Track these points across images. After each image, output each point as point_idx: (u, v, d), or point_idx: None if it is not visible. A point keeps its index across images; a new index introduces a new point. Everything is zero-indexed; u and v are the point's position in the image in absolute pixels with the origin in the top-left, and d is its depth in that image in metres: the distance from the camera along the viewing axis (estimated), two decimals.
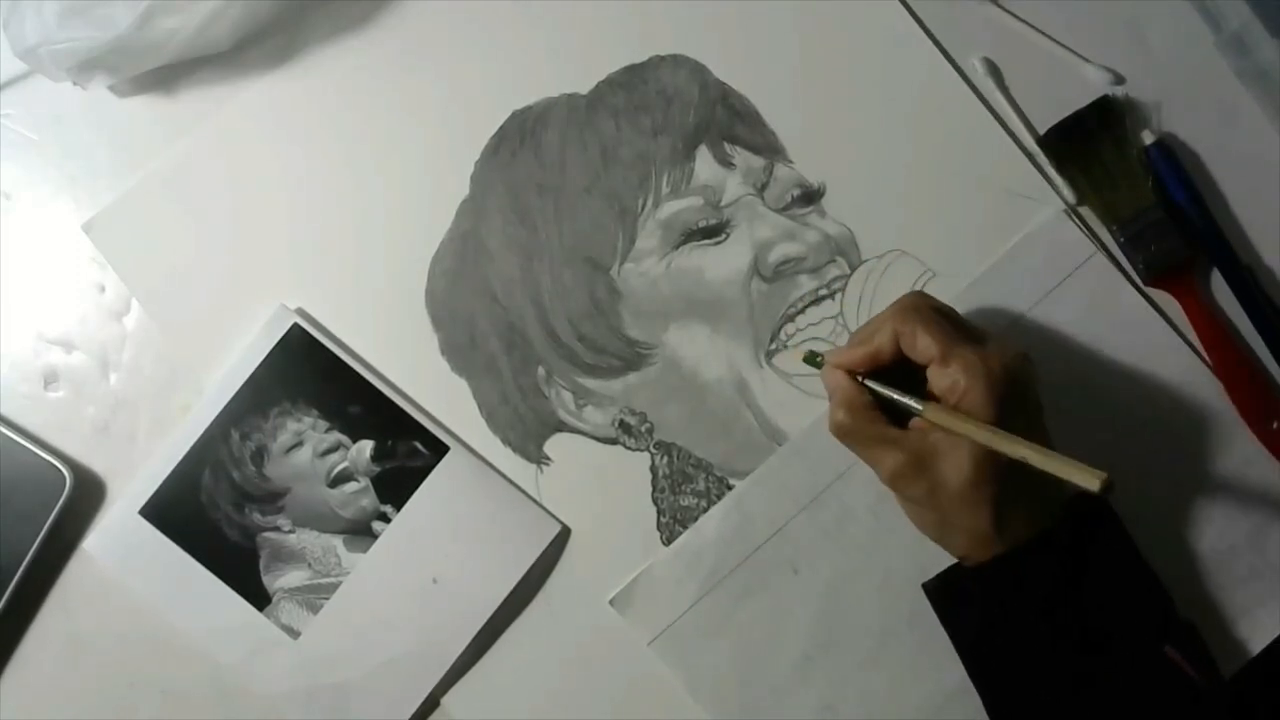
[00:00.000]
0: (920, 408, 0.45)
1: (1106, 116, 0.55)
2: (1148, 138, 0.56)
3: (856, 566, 0.53)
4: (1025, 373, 0.46)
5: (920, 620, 0.52)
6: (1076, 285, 0.55)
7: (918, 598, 0.50)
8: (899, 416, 0.47)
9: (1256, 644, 0.52)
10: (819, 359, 0.49)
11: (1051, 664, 0.45)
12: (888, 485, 0.47)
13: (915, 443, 0.45)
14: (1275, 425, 0.53)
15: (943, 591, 0.49)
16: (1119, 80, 0.57)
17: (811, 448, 0.54)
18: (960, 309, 0.50)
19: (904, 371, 0.47)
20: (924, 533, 0.47)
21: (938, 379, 0.45)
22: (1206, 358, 0.54)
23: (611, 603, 0.53)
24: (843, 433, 0.47)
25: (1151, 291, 0.55)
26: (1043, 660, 0.46)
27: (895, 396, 0.47)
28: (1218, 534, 0.53)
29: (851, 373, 0.47)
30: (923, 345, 0.45)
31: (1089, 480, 0.41)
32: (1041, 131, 0.56)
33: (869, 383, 0.47)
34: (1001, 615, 0.46)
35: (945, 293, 0.55)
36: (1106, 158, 0.55)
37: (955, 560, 0.48)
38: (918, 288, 0.55)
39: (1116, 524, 0.48)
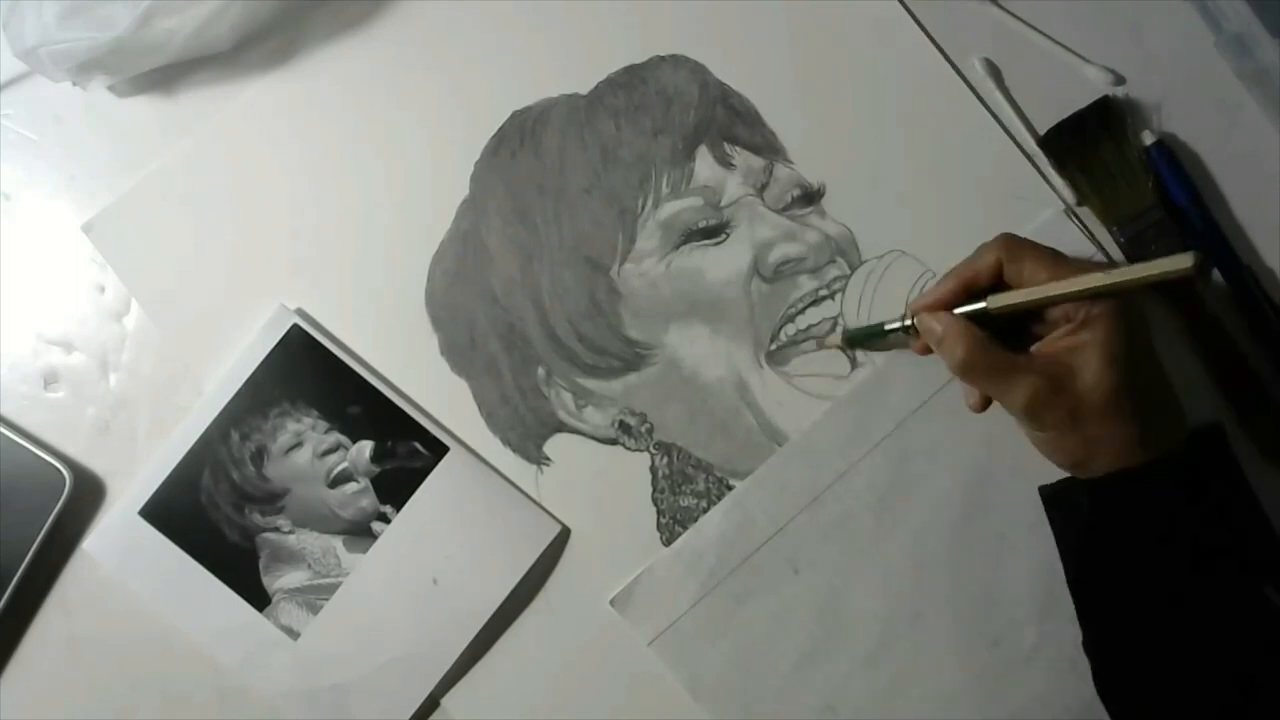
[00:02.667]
0: (984, 304, 0.45)
1: (1107, 116, 0.55)
2: (1148, 138, 0.55)
3: (857, 567, 0.53)
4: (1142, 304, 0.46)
5: (921, 621, 0.52)
6: None
7: (919, 596, 0.51)
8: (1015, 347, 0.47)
9: None
10: (859, 336, 0.48)
11: (1153, 583, 0.45)
12: (1022, 415, 0.46)
13: (1047, 365, 0.45)
14: (1269, 427, 0.53)
15: (1058, 497, 0.48)
16: (1119, 80, 0.57)
17: (812, 448, 0.54)
18: None
19: (1001, 332, 0.47)
20: (1061, 463, 0.47)
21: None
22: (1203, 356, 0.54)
23: (612, 603, 0.53)
24: (966, 369, 0.46)
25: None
26: (1145, 578, 0.45)
27: (961, 310, 0.46)
28: None
29: (946, 312, 0.47)
30: (1030, 270, 0.45)
31: (1182, 261, 0.41)
32: (1041, 131, 0.56)
33: (991, 298, 0.47)
34: (1121, 529, 0.45)
35: None
36: (1107, 158, 0.55)
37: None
38: (918, 288, 0.55)
39: (1234, 461, 0.47)
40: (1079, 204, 0.55)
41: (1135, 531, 0.45)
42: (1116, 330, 0.44)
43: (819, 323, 0.55)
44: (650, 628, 0.53)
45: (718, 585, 0.53)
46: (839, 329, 0.55)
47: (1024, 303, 0.45)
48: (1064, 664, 0.51)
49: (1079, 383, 0.44)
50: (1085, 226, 0.56)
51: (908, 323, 0.50)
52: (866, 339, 0.54)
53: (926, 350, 0.50)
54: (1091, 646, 0.47)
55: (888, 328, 0.51)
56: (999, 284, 0.47)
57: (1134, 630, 0.46)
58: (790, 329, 0.55)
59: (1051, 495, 0.49)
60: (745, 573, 0.53)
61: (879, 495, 0.53)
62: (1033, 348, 0.47)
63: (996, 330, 0.47)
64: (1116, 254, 0.55)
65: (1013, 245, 0.47)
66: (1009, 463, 0.53)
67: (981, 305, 0.46)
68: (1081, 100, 0.56)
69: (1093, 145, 0.55)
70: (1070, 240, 0.55)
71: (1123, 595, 0.46)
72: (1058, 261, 0.46)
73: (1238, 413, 0.54)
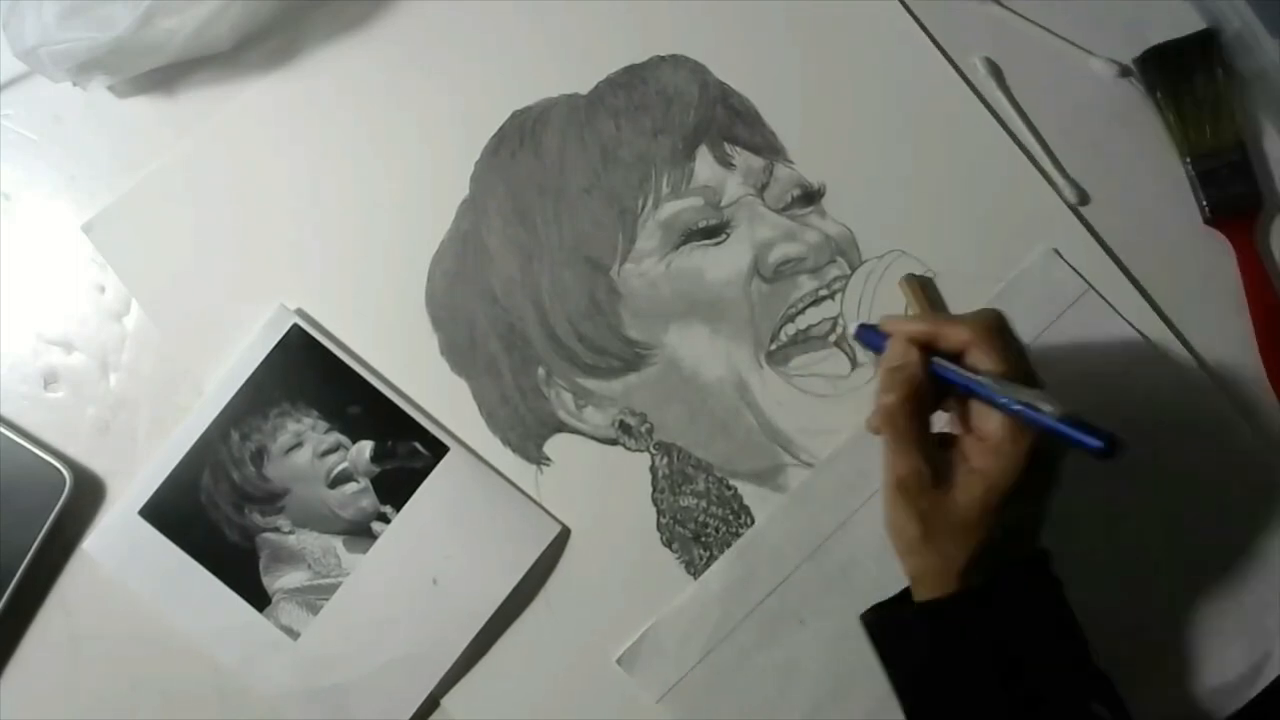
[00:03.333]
0: (988, 381, 0.43)
1: (1207, 49, 0.55)
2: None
3: None
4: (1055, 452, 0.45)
5: None
6: (1070, 322, 0.55)
7: None
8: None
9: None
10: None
11: (985, 711, 0.45)
12: (894, 485, 0.46)
13: (939, 459, 0.45)
14: None
15: (884, 625, 0.48)
16: (1126, 72, 0.56)
17: (812, 498, 0.54)
18: None
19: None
20: (893, 540, 0.46)
21: (982, 410, 0.44)
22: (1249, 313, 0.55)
23: (619, 661, 0.53)
24: (889, 415, 0.45)
25: (1205, 232, 0.55)
26: (977, 706, 0.45)
27: (969, 376, 0.44)
28: (1222, 569, 0.53)
29: (922, 354, 0.45)
30: (992, 369, 0.44)
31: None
32: (1044, 129, 0.55)
33: (938, 361, 0.45)
34: (946, 655, 0.45)
35: (946, 293, 0.55)
36: (1199, 89, 0.54)
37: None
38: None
39: (1054, 582, 0.47)
40: (1167, 128, 0.55)
41: (955, 665, 0.45)
42: (1013, 474, 0.43)
43: (819, 323, 0.55)
44: (658, 685, 0.53)
45: (724, 639, 0.53)
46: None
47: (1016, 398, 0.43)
48: None
49: (951, 492, 0.44)
50: (1088, 224, 0.56)
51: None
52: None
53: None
54: None
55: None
56: (955, 355, 0.45)
57: None
58: (790, 329, 0.55)
59: (874, 621, 0.48)
60: (751, 625, 0.53)
61: (881, 542, 0.52)
62: (942, 434, 0.46)
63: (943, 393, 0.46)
64: (1122, 254, 0.56)
65: (988, 333, 0.45)
66: None
67: (986, 380, 0.44)
68: (1085, 97, 0.56)
69: (1188, 74, 0.54)
70: (1058, 278, 0.55)
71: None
72: (1018, 373, 0.44)
73: (1266, 367, 0.54)
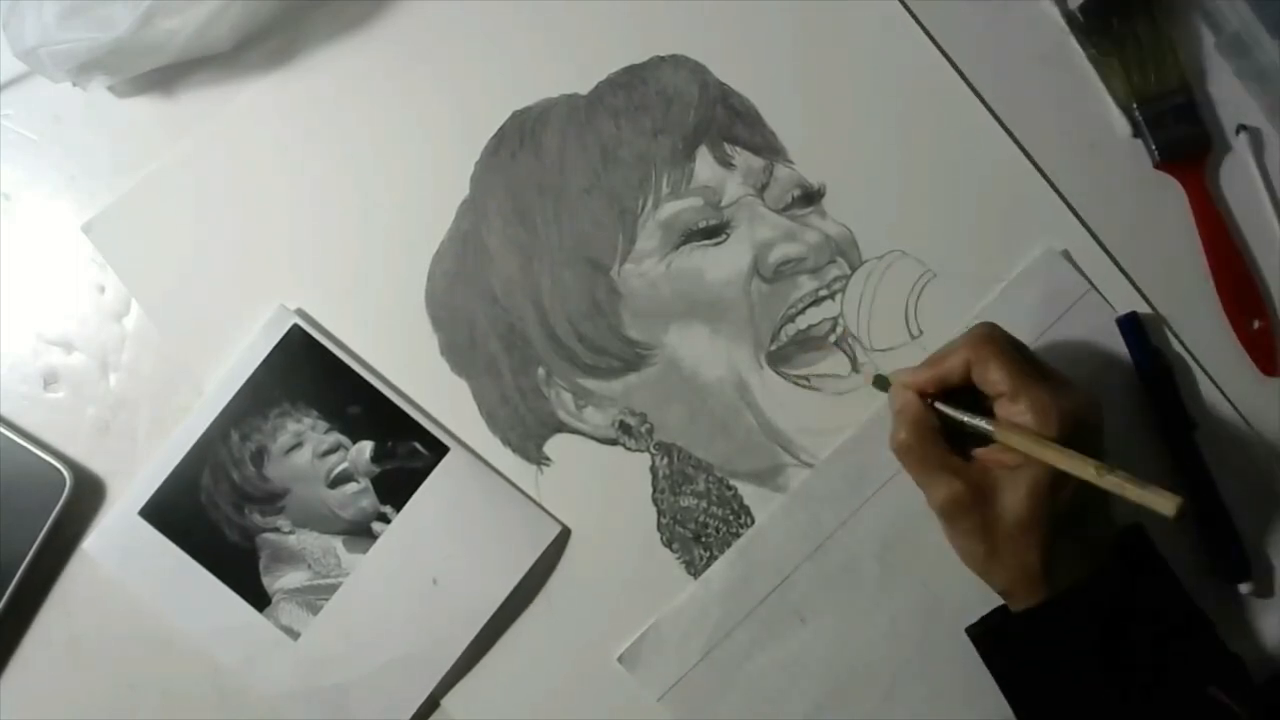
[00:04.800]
0: (991, 428, 0.45)
1: None
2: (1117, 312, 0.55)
3: (864, 614, 0.53)
4: (1094, 419, 0.46)
5: (931, 666, 0.52)
6: (1072, 322, 0.55)
7: (927, 643, 0.50)
8: (960, 446, 0.47)
9: None
10: (886, 380, 0.49)
11: (1100, 707, 0.45)
12: (939, 513, 0.46)
13: (974, 474, 0.45)
14: (1256, 325, 0.54)
15: (988, 635, 0.49)
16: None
17: (813, 496, 0.54)
18: None
19: (970, 404, 0.47)
20: (969, 565, 0.47)
21: (1006, 413, 0.45)
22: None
23: (620, 659, 0.53)
24: (904, 451, 0.47)
25: (1158, 176, 0.56)
26: (1091, 704, 0.45)
27: (965, 418, 0.47)
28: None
29: (921, 394, 0.48)
30: (994, 377, 0.45)
31: (1165, 505, 0.41)
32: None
33: (939, 405, 0.47)
34: (1051, 659, 0.46)
35: (947, 294, 0.55)
36: (1142, 35, 0.55)
37: (996, 597, 0.48)
38: (918, 288, 0.55)
39: (1162, 563, 0.48)
40: (1111, 74, 0.55)
41: (1071, 659, 0.45)
42: (1049, 467, 0.44)
43: (819, 323, 0.55)
44: (659, 684, 0.53)
45: (725, 638, 0.53)
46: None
47: (1024, 448, 0.44)
48: None
49: (998, 501, 0.45)
50: (1087, 224, 0.56)
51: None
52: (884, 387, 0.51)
53: None
54: None
55: (886, 380, 0.50)
56: (969, 384, 0.47)
57: None
58: (790, 329, 0.55)
59: (980, 634, 0.49)
60: (752, 624, 0.53)
61: (882, 541, 0.53)
62: (976, 451, 0.47)
63: (961, 401, 0.47)
64: (1113, 242, 0.56)
65: (980, 344, 0.46)
66: None
67: (990, 429, 0.45)
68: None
69: (1129, 21, 0.55)
70: (1058, 278, 0.55)
71: None
72: (1019, 373, 0.45)
73: (1226, 309, 0.54)
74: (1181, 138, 0.55)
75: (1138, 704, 0.45)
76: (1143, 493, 0.42)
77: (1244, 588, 0.53)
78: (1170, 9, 0.55)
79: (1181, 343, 0.55)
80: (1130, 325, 0.54)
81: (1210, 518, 0.53)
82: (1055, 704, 0.47)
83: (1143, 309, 0.55)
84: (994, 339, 0.47)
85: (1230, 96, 0.56)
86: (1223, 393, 0.55)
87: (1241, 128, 0.56)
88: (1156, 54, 0.55)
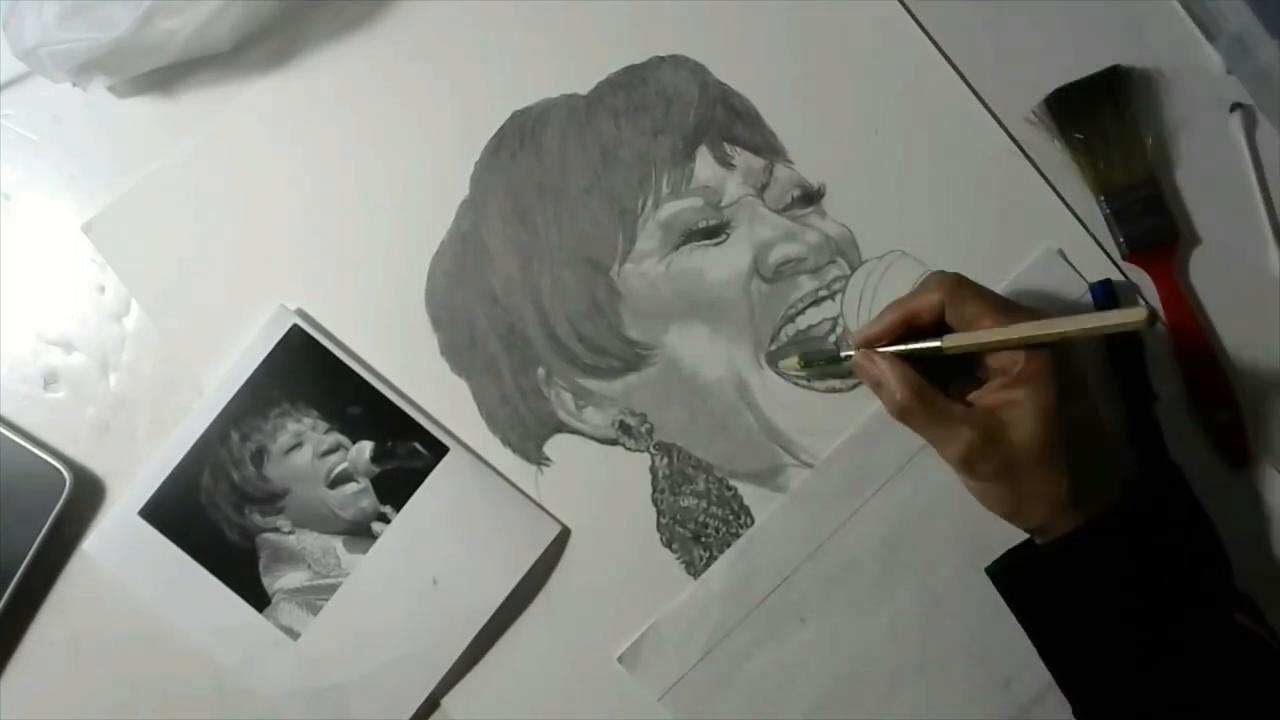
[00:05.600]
0: (939, 343, 0.45)
1: (1114, 86, 0.55)
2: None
3: (864, 614, 0.53)
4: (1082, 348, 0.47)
5: (931, 666, 0.52)
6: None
7: (927, 643, 0.50)
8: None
9: None
10: (825, 354, 0.49)
11: (1129, 635, 0.45)
12: (957, 466, 0.46)
13: (982, 417, 0.45)
14: (1221, 419, 0.53)
15: (1011, 572, 0.48)
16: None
17: (813, 496, 0.54)
18: None
19: (938, 373, 0.47)
20: (996, 511, 0.47)
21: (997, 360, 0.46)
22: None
23: (620, 659, 0.53)
24: (905, 414, 0.46)
25: (1127, 267, 0.55)
26: (1121, 632, 0.45)
27: (913, 346, 0.46)
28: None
29: (886, 355, 0.47)
30: (973, 313, 0.45)
31: (1135, 315, 0.41)
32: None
33: (883, 350, 0.47)
34: (1083, 588, 0.46)
35: None
36: (1107, 126, 0.54)
37: (1019, 540, 0.48)
38: None
39: (1188, 489, 0.47)
40: (1079, 168, 0.55)
41: (1101, 589, 0.45)
42: (1050, 387, 0.44)
43: (819, 323, 0.55)
44: (659, 684, 0.53)
45: (725, 638, 0.53)
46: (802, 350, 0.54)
47: (977, 345, 0.45)
48: None
49: (1011, 437, 0.45)
50: (1086, 225, 0.56)
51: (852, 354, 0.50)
52: (825, 363, 0.52)
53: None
54: (1082, 715, 0.47)
55: (843, 354, 0.51)
56: (940, 323, 0.47)
57: (1119, 690, 0.46)
58: (790, 329, 0.55)
59: (999, 572, 0.49)
60: (752, 624, 0.53)
61: (882, 541, 0.53)
62: (969, 396, 0.47)
63: (932, 374, 0.47)
64: (1098, 229, 0.56)
65: (957, 286, 0.47)
66: None
67: (935, 344, 0.46)
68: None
69: (1096, 113, 0.54)
70: (1058, 278, 0.55)
71: (1099, 658, 0.46)
72: (1002, 306, 0.46)
73: (1192, 398, 0.54)
74: (1149, 230, 0.54)
75: (1166, 631, 0.44)
76: (1111, 316, 0.42)
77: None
78: (1134, 99, 0.55)
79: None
80: (1101, 292, 0.54)
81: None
82: (1084, 634, 0.46)
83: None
84: (962, 279, 0.47)
85: (1200, 182, 0.56)
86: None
87: (1236, 105, 0.56)
88: (1123, 147, 0.54)
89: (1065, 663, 0.47)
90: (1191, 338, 0.54)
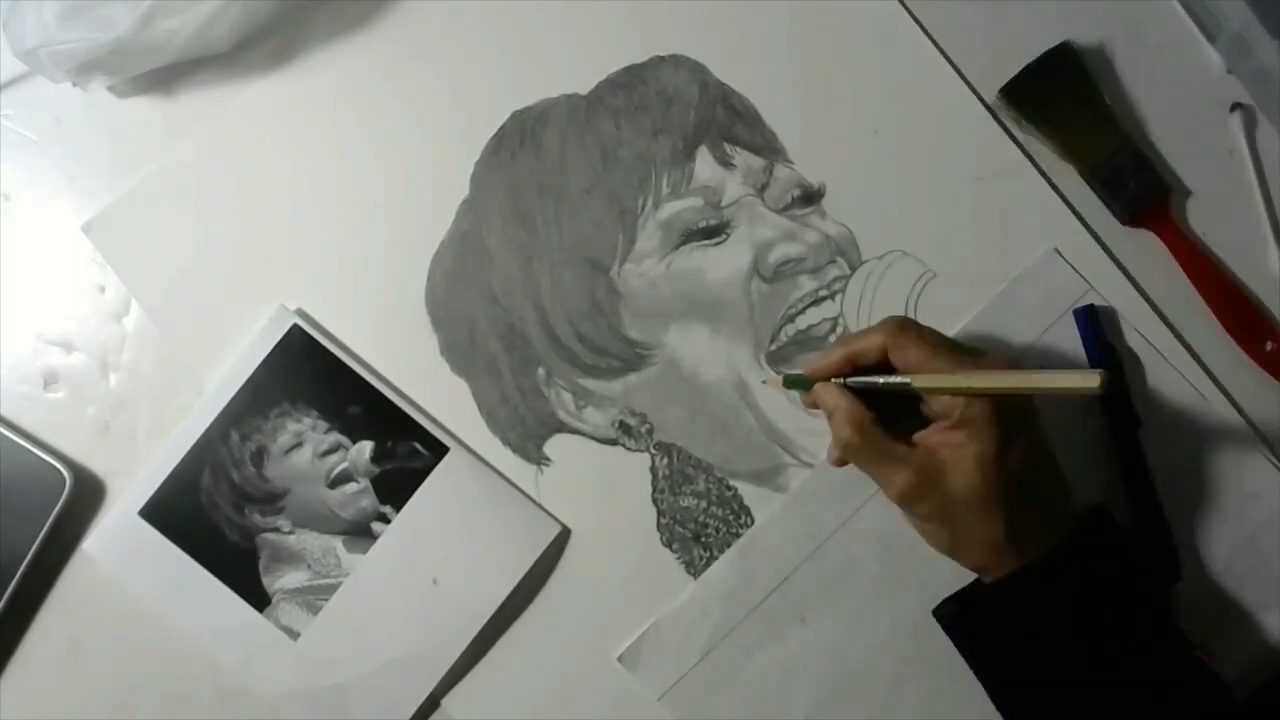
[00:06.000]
0: (909, 379, 0.45)
1: (1062, 63, 0.55)
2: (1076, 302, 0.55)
3: (865, 614, 0.53)
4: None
5: (931, 666, 0.52)
6: (1071, 322, 0.54)
7: (927, 643, 0.50)
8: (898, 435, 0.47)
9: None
10: (802, 378, 0.49)
11: (1077, 675, 0.45)
12: (898, 503, 0.47)
13: (922, 459, 0.45)
14: (1269, 347, 0.54)
15: (958, 615, 0.48)
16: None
17: (813, 495, 0.54)
18: None
19: (889, 408, 0.47)
20: (938, 549, 0.47)
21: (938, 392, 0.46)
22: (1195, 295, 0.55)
23: (620, 660, 0.53)
24: (851, 452, 0.47)
25: (1133, 234, 0.55)
26: (1069, 672, 0.45)
27: (880, 380, 0.47)
28: (1229, 551, 0.53)
29: (842, 388, 0.47)
30: (915, 357, 0.45)
31: (1088, 381, 0.40)
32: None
33: (850, 381, 0.47)
34: (1028, 630, 0.46)
35: (947, 294, 0.55)
36: (1067, 104, 0.55)
37: (964, 584, 0.48)
38: (918, 288, 0.55)
39: (1123, 536, 0.48)
40: (1050, 142, 0.55)
41: (1035, 635, 0.45)
42: (991, 432, 0.44)
43: (819, 323, 0.55)
44: (659, 683, 0.53)
45: (725, 638, 0.53)
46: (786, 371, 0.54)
47: (952, 388, 0.45)
48: None
49: (949, 480, 0.45)
50: (1087, 224, 0.56)
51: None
52: (807, 386, 0.51)
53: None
54: None
55: (803, 380, 0.50)
56: (884, 365, 0.47)
57: None
58: (790, 329, 0.55)
59: (949, 614, 0.49)
60: (753, 624, 0.53)
61: (882, 541, 0.53)
62: (915, 436, 0.47)
63: (885, 408, 0.47)
64: (1093, 206, 0.56)
65: (899, 331, 0.46)
66: None
67: (905, 380, 0.46)
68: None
69: (1049, 93, 0.54)
70: (1059, 278, 0.55)
71: (1041, 700, 0.46)
72: (945, 350, 0.46)
73: (1236, 340, 0.54)
74: (1141, 191, 0.54)
75: (1115, 670, 0.45)
76: (1062, 377, 0.42)
77: (1175, 588, 0.53)
78: (1087, 70, 0.55)
79: (1145, 338, 0.54)
80: (1084, 318, 0.54)
81: (1144, 517, 0.53)
82: (1032, 676, 0.46)
83: (1143, 309, 0.55)
84: (907, 323, 0.47)
85: (1199, 181, 0.56)
86: (1197, 391, 0.54)
87: (1236, 105, 0.56)
88: (1090, 115, 0.54)
89: (1011, 704, 0.47)
90: (1214, 283, 0.54)
